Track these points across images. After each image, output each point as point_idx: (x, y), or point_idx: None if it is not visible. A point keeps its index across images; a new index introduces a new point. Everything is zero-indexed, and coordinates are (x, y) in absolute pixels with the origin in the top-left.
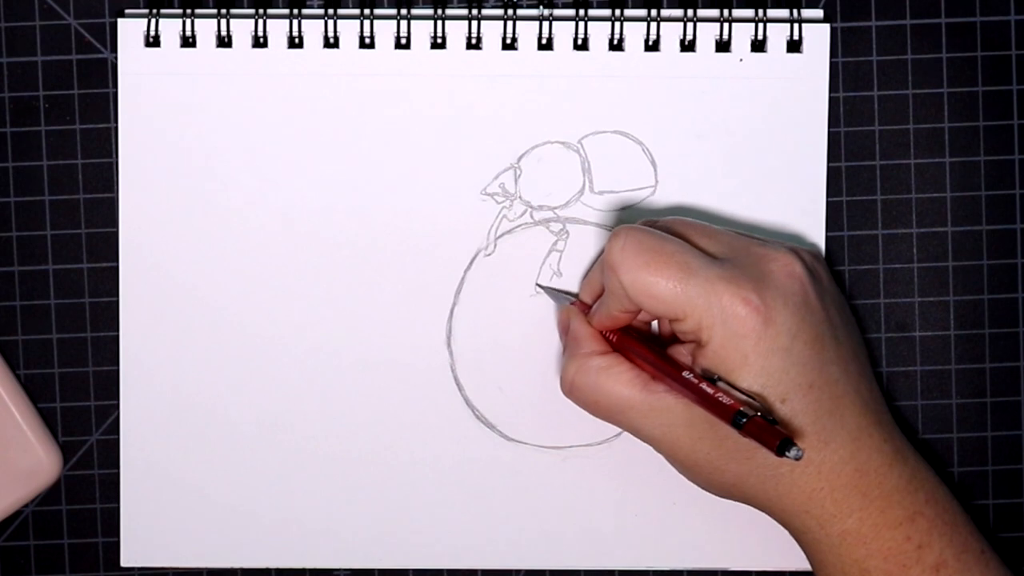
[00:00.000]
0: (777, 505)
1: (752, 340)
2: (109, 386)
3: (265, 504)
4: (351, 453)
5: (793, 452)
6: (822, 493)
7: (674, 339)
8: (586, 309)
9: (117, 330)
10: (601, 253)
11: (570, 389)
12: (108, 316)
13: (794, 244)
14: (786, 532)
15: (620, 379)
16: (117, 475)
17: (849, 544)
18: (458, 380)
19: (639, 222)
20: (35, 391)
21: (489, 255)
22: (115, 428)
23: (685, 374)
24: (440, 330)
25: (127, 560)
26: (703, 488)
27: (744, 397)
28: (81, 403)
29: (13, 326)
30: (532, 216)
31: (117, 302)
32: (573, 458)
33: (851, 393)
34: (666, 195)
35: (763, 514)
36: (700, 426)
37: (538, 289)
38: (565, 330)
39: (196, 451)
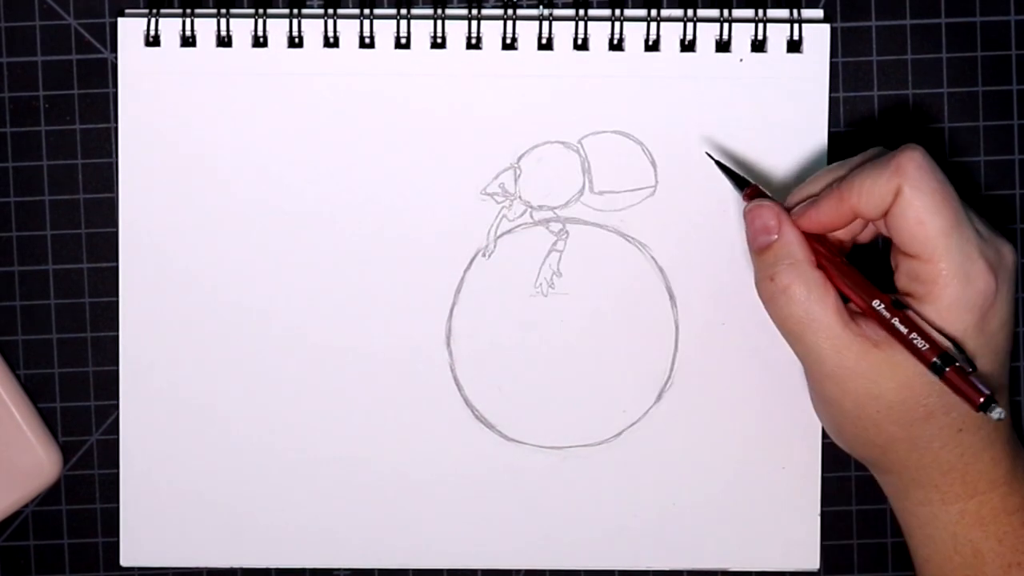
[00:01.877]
0: (911, 475)
1: (978, 315)
2: (109, 386)
3: (265, 504)
4: (351, 453)
5: (996, 412)
6: (956, 473)
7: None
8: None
9: (117, 330)
10: (864, 164)
11: (779, 292)
12: (108, 316)
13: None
14: (786, 532)
15: (832, 304)
16: (117, 475)
17: (967, 523)
18: (458, 380)
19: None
20: (35, 391)
21: (489, 255)
22: (115, 428)
23: (887, 309)
24: (440, 330)
25: (127, 560)
26: (838, 436)
27: (949, 344)
28: (81, 403)
29: (13, 326)
30: (532, 216)
31: (117, 302)
32: (573, 458)
33: (1005, 389)
34: (666, 195)
35: (763, 514)
36: (884, 384)
37: (708, 156)
38: (767, 229)
39: (196, 451)
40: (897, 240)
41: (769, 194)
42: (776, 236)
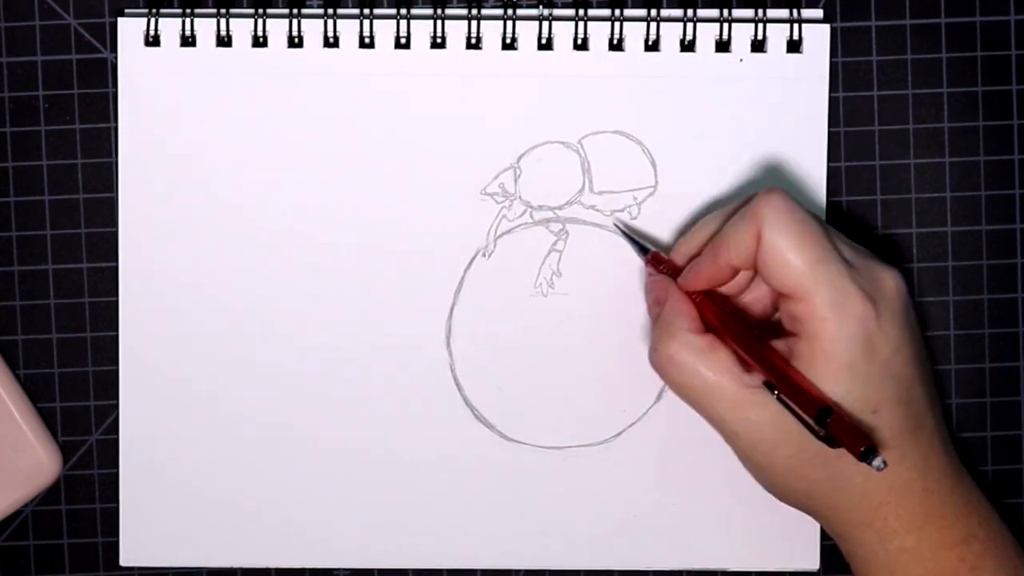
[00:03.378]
0: (843, 516)
1: (861, 344)
2: (109, 386)
3: (265, 504)
4: (351, 453)
5: (876, 461)
6: (888, 508)
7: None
8: (674, 272)
9: (117, 330)
10: (726, 219)
11: (666, 362)
12: (108, 316)
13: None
14: (785, 532)
15: (718, 366)
16: (117, 475)
17: (905, 562)
18: (458, 380)
19: None
20: (35, 391)
21: (489, 255)
22: (115, 428)
23: (766, 381)
24: (440, 330)
25: (126, 560)
26: (767, 489)
27: (826, 398)
28: (81, 403)
29: (13, 326)
30: (532, 216)
31: (117, 302)
32: (573, 458)
33: (928, 414)
34: (666, 195)
35: (762, 514)
36: (787, 427)
37: (616, 227)
38: (658, 301)
39: (196, 451)
40: (769, 283)
41: (668, 258)
42: (660, 308)
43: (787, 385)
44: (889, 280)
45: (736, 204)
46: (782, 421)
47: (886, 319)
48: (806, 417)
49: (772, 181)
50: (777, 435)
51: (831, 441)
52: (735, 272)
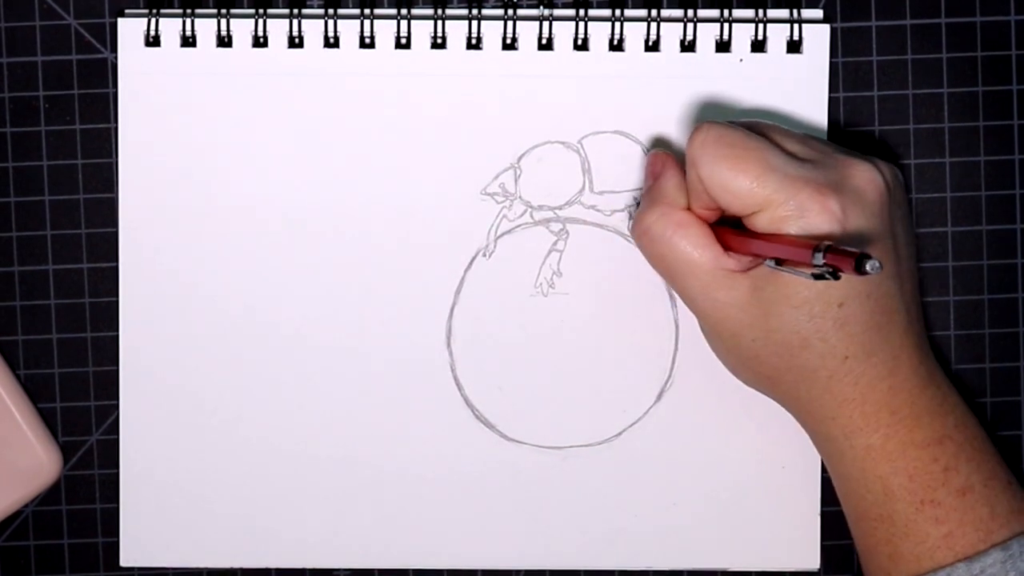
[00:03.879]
0: (806, 407)
1: (838, 231)
2: (109, 386)
3: (265, 504)
4: (351, 453)
5: (871, 263)
6: (853, 404)
7: None
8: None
9: (117, 330)
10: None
11: (642, 233)
12: (108, 316)
13: (872, 157)
14: (785, 532)
15: (695, 241)
16: (117, 475)
17: (873, 459)
18: (458, 380)
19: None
20: (35, 391)
21: (489, 255)
22: (115, 428)
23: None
24: (440, 330)
25: (126, 560)
26: (733, 372)
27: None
28: (81, 403)
29: (13, 326)
30: (532, 216)
31: (117, 302)
32: (573, 458)
33: (901, 311)
34: None
35: (763, 514)
36: (754, 311)
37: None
38: (653, 174)
39: (196, 451)
40: (731, 215)
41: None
42: (651, 181)
43: (777, 239)
44: (860, 172)
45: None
46: (749, 304)
47: (850, 213)
48: (804, 264)
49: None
50: (743, 317)
51: (833, 275)
52: (718, 210)
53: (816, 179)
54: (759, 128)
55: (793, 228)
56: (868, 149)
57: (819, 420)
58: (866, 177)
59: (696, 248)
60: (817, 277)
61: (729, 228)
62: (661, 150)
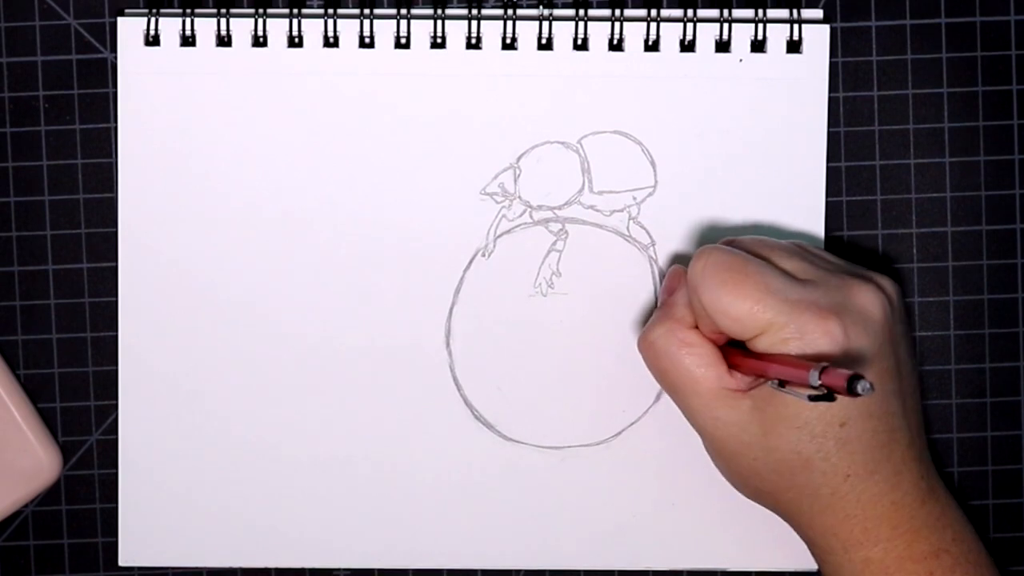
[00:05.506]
0: (807, 522)
1: (841, 353)
2: (109, 386)
3: (265, 504)
4: (350, 453)
5: (862, 384)
6: (854, 520)
7: None
8: None
9: (117, 330)
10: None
11: (648, 346)
12: (108, 316)
13: (873, 273)
14: (785, 532)
15: (699, 359)
16: (116, 475)
17: (871, 572)
18: (457, 380)
19: (720, 241)
20: (35, 391)
21: (488, 255)
22: (114, 428)
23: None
24: (439, 330)
25: (125, 560)
26: (734, 486)
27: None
28: (81, 403)
29: (13, 326)
30: (531, 216)
31: (117, 302)
32: (572, 458)
33: (903, 428)
34: (666, 195)
35: (762, 515)
36: (755, 431)
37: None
38: (668, 289)
39: (195, 451)
40: (733, 337)
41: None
42: (667, 294)
43: (779, 360)
44: (862, 292)
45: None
46: (749, 424)
47: (854, 335)
48: (803, 387)
49: (772, 181)
50: (744, 437)
51: (828, 396)
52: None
53: (817, 301)
54: (758, 248)
55: (794, 350)
56: (865, 152)
57: (819, 534)
58: (868, 298)
59: (700, 366)
60: (813, 399)
61: (732, 348)
62: (680, 267)
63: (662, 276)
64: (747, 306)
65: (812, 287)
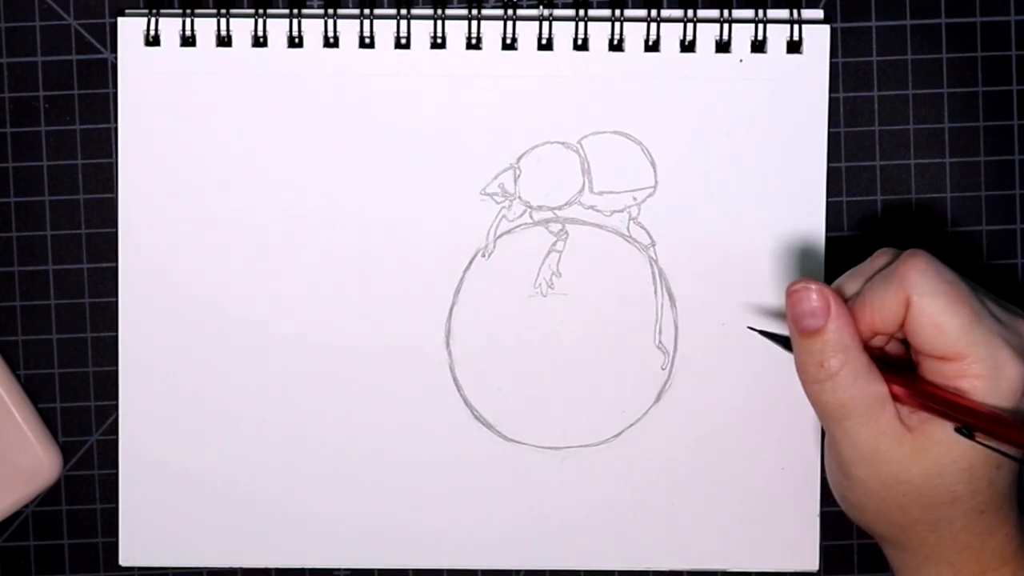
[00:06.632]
0: (926, 552)
1: (1011, 404)
2: (109, 386)
3: (265, 504)
4: (350, 453)
5: None
6: (971, 551)
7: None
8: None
9: (117, 330)
10: (876, 270)
11: (829, 377)
12: (108, 316)
13: None
14: (785, 533)
15: (872, 389)
16: (117, 475)
17: None
18: (457, 380)
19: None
20: (35, 391)
21: (488, 255)
22: (115, 428)
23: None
24: (439, 330)
25: (126, 560)
26: (853, 512)
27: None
28: (81, 403)
29: (13, 326)
30: (531, 216)
31: (117, 302)
32: (572, 458)
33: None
34: (666, 195)
35: (762, 515)
36: (915, 470)
37: (751, 330)
38: (813, 312)
39: (195, 451)
40: (918, 345)
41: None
42: (824, 321)
43: (989, 412)
44: None
45: (872, 265)
46: (911, 462)
47: None
48: (1003, 439)
49: (772, 181)
50: (902, 475)
51: None
52: (873, 334)
53: (1013, 342)
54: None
55: (984, 387)
56: (865, 153)
57: (934, 563)
58: None
59: (878, 397)
60: (1007, 455)
61: (893, 376)
62: (810, 282)
63: (662, 276)
64: (960, 323)
65: (1005, 328)
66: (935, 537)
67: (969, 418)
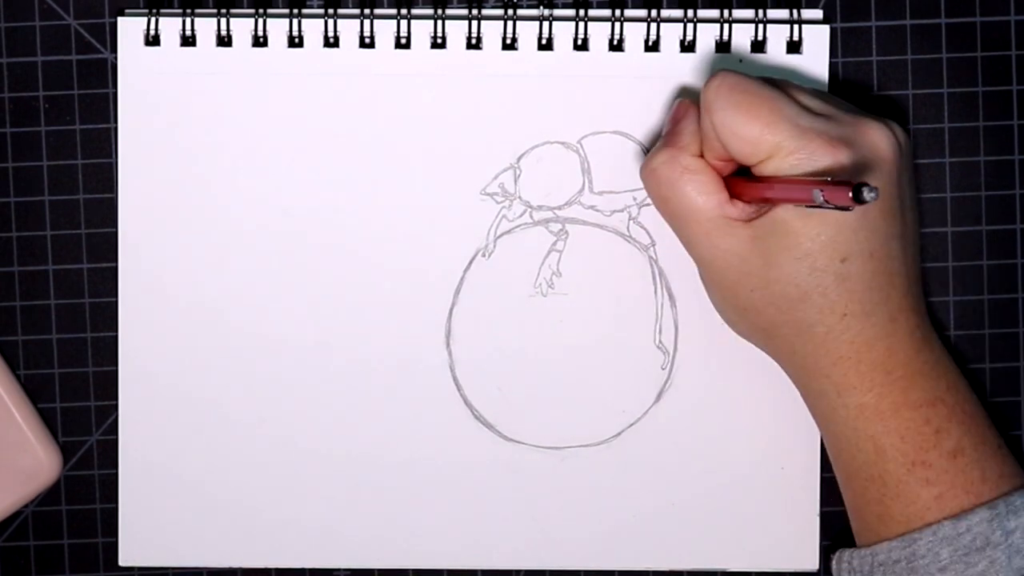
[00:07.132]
0: (800, 362)
1: None
2: (109, 386)
3: (265, 504)
4: (351, 453)
5: (867, 192)
6: (848, 363)
7: None
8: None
9: (117, 330)
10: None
11: (649, 173)
12: (108, 316)
13: (886, 119)
14: (785, 533)
15: (700, 186)
16: (116, 475)
17: (866, 418)
18: (457, 380)
19: None
20: (35, 391)
21: (488, 255)
22: (115, 428)
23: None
24: (439, 330)
25: (125, 560)
26: (729, 323)
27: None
28: (81, 403)
29: (13, 326)
30: (531, 216)
31: (117, 302)
32: (572, 458)
33: (901, 273)
34: None
35: (763, 514)
36: (754, 262)
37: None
38: (673, 120)
39: (195, 451)
40: (741, 162)
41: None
42: (673, 124)
43: (786, 181)
44: (874, 130)
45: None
46: (749, 254)
47: (863, 165)
48: (806, 203)
49: None
50: (743, 267)
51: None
52: (731, 161)
53: (828, 132)
54: (775, 82)
55: (801, 173)
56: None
57: (812, 376)
58: (879, 137)
59: (701, 194)
60: (821, 207)
61: (736, 178)
62: (688, 100)
63: (662, 276)
64: (758, 128)
65: (824, 119)
66: (802, 343)
67: (787, 194)
